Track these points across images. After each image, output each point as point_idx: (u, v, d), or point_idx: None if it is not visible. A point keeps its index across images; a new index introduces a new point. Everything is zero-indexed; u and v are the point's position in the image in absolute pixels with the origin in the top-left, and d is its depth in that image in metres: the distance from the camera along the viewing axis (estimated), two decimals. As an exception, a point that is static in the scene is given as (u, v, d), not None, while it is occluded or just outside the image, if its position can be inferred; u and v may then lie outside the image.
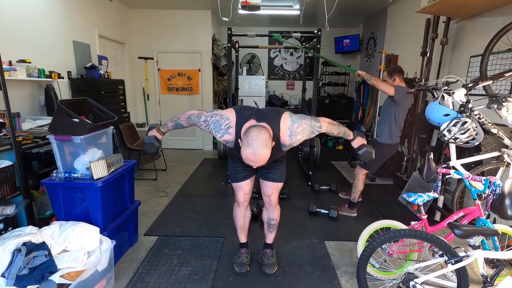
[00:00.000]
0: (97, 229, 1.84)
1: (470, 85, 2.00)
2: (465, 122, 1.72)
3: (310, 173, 3.76)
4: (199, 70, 5.54)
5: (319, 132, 1.72)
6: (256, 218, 2.80)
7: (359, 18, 5.81)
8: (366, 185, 2.99)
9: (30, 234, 1.65)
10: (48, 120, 2.69)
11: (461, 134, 1.73)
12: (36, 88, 3.08)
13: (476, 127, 1.75)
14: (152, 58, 5.49)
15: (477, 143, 1.80)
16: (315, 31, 3.38)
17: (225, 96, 5.88)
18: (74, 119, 1.85)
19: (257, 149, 1.42)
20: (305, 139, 1.71)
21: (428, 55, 3.39)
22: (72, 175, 1.88)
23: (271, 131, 1.55)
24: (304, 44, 4.36)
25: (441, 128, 1.82)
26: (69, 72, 3.56)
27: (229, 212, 2.65)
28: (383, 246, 1.92)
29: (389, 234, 1.65)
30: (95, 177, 1.88)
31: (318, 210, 2.98)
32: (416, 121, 3.55)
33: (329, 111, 6.24)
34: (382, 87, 2.56)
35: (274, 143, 1.54)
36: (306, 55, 4.62)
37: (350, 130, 1.85)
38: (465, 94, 1.99)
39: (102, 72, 3.78)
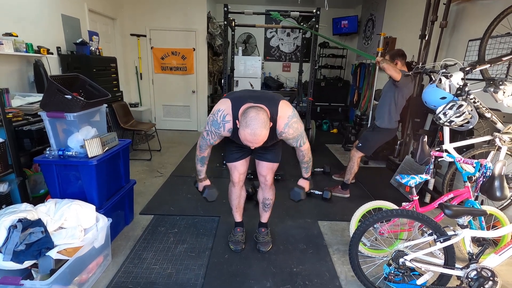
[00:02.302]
0: (93, 207, 1.84)
1: (467, 68, 2.00)
2: (461, 105, 1.74)
3: (305, 155, 3.78)
4: (194, 49, 5.40)
5: (300, 146, 1.76)
6: (251, 198, 2.84)
7: (358, -2, 5.67)
8: (359, 168, 3.04)
9: (25, 211, 1.65)
10: (38, 97, 2.61)
11: (456, 117, 1.74)
12: (25, 64, 2.97)
13: (472, 110, 1.77)
14: (145, 36, 5.32)
15: (471, 127, 1.83)
16: (314, 11, 3.30)
17: (220, 77, 5.78)
18: (66, 96, 1.80)
19: (256, 129, 1.42)
20: (288, 140, 1.72)
21: (426, 38, 3.36)
22: (66, 153, 1.86)
23: (269, 113, 1.53)
24: (302, 24, 4.25)
25: (437, 111, 1.83)
26: (58, 48, 3.43)
27: (225, 193, 2.67)
28: (375, 226, 1.97)
29: (382, 214, 1.70)
30: (89, 155, 1.86)
31: (312, 191, 3.03)
32: (411, 105, 3.56)
33: (325, 94, 6.23)
34: (391, 71, 2.52)
35: (271, 124, 1.54)
36: (304, 35, 4.53)
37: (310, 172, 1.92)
38: (462, 78, 1.99)
39: (93, 49, 3.65)
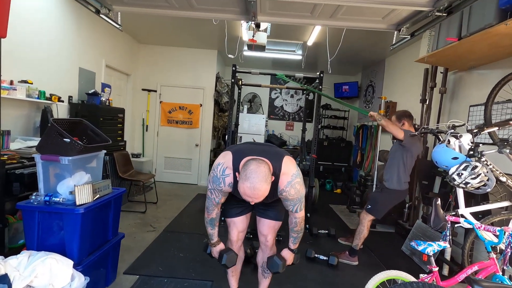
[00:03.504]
0: (71, 263, 1.63)
1: (475, 130, 1.97)
2: (475, 167, 1.65)
3: (308, 215, 3.57)
4: (201, 105, 5.60)
5: (296, 212, 1.61)
6: (249, 261, 2.56)
7: (357, 67, 6.08)
8: None
9: (-8, 263, 1.45)
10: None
11: (472, 179, 1.64)
12: (34, 110, 3.02)
13: (487, 172, 1.67)
14: (155, 91, 5.59)
15: (489, 190, 1.71)
16: (318, 73, 3.47)
17: (225, 132, 5.88)
18: (65, 139, 1.75)
19: (255, 183, 1.32)
20: (286, 201, 1.58)
21: (427, 103, 3.45)
22: (53, 199, 1.72)
23: (271, 167, 1.45)
24: (305, 86, 4.47)
25: (450, 172, 1.74)
26: (70, 97, 3.54)
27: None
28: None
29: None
30: (77, 203, 1.72)
31: (316, 255, 2.76)
32: (417, 167, 3.48)
33: (328, 154, 6.22)
34: (392, 129, 2.51)
35: (273, 178, 1.44)
36: (307, 96, 4.71)
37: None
38: (470, 140, 1.95)
39: (103, 99, 3.77)
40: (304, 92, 5.61)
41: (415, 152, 2.62)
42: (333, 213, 4.49)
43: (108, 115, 3.77)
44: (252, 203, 1.40)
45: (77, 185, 1.75)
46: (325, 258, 2.72)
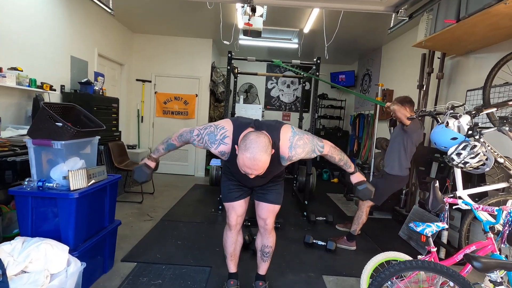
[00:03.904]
0: (66, 248, 1.60)
1: (473, 112, 1.95)
2: (474, 146, 1.64)
3: (306, 202, 3.57)
4: (196, 95, 5.53)
5: (320, 152, 1.60)
6: (248, 247, 2.56)
7: (354, 56, 6.03)
8: None
9: (-15, 249, 1.41)
10: (31, 129, 2.52)
11: (471, 158, 1.63)
12: (25, 98, 2.95)
13: (486, 151, 1.66)
14: (150, 81, 5.50)
15: (487, 169, 1.71)
16: (315, 59, 3.43)
17: (221, 123, 5.82)
18: (57, 123, 1.71)
19: (255, 153, 1.29)
20: (305, 156, 1.58)
21: (424, 89, 3.44)
22: (46, 184, 1.68)
23: (270, 139, 1.43)
24: (302, 74, 4.42)
25: (449, 152, 1.73)
26: (62, 86, 3.46)
27: (218, 240, 2.41)
28: (391, 281, 1.71)
29: (399, 266, 1.46)
30: (72, 188, 1.68)
31: (314, 241, 2.76)
32: (414, 153, 3.48)
33: (325, 143, 6.21)
34: (400, 115, 2.48)
35: (273, 151, 1.41)
36: (304, 84, 4.67)
37: (352, 163, 1.74)
38: (469, 121, 1.94)
39: (97, 88, 3.70)
40: (301, 81, 5.57)
41: (416, 139, 2.61)
42: (331, 201, 4.50)
43: (102, 104, 3.70)
44: (252, 176, 1.37)
45: (71, 170, 1.71)
46: (323, 243, 2.72)
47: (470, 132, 1.73)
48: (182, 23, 4.66)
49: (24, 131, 2.54)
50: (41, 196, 1.66)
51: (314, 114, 3.71)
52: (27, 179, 1.71)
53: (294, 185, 4.54)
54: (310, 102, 6.15)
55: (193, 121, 5.59)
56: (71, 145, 1.81)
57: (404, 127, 2.51)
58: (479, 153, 1.63)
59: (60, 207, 1.66)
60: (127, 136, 5.39)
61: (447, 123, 1.93)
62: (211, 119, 5.83)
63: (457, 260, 1.81)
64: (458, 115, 1.80)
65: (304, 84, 4.71)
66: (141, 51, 5.41)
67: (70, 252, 1.63)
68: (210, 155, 5.60)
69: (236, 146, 1.42)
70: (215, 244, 2.64)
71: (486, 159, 1.65)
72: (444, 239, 2.68)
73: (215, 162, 4.55)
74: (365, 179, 1.73)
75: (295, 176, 4.51)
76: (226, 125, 1.54)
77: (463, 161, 1.65)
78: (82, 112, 2.04)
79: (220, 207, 3.60)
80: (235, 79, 4.39)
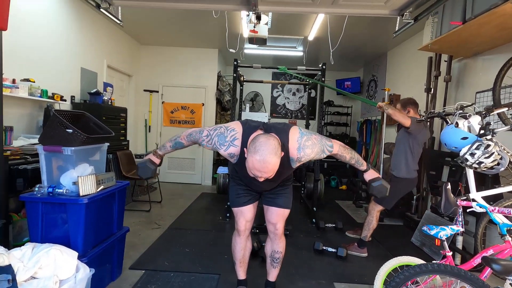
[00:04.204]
0: (75, 254, 1.60)
1: (484, 112, 1.92)
2: (488, 145, 1.60)
3: (315, 209, 3.52)
4: (203, 104, 5.59)
5: (330, 152, 1.59)
6: (256, 254, 2.52)
7: (359, 62, 6.05)
8: None
9: (-4, 254, 1.42)
10: (42, 138, 2.57)
11: (485, 158, 1.59)
12: (36, 109, 3.02)
13: (500, 151, 1.62)
14: (157, 91, 5.58)
15: (502, 169, 1.66)
16: (320, 65, 3.44)
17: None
18: (67, 130, 1.73)
19: (265, 156, 1.28)
20: (315, 157, 1.57)
21: (432, 92, 3.41)
22: (57, 190, 1.70)
23: (280, 141, 1.42)
24: (308, 80, 4.44)
25: (462, 153, 1.69)
26: (72, 97, 3.54)
27: (226, 248, 2.39)
28: (407, 286, 1.65)
29: (414, 269, 1.42)
30: (81, 194, 1.69)
31: (324, 248, 2.70)
32: (424, 157, 3.42)
33: (332, 150, 6.17)
34: (399, 117, 2.47)
35: (283, 153, 1.40)
36: (310, 91, 4.68)
37: (364, 160, 1.72)
38: (480, 122, 1.90)
39: (106, 98, 3.77)
40: (306, 88, 5.59)
41: (422, 139, 2.57)
42: (340, 208, 4.43)
43: (110, 114, 3.76)
44: (261, 179, 1.36)
45: (80, 176, 1.73)
46: (333, 250, 2.66)
47: (482, 131, 1.70)
48: (188, 33, 4.75)
49: (36, 140, 2.59)
50: (51, 202, 1.67)
51: (320, 121, 3.70)
52: (37, 186, 1.73)
53: (302, 192, 4.50)
54: (316, 109, 6.14)
55: (200, 130, 5.62)
56: (80, 152, 1.83)
57: (407, 129, 2.48)
58: (493, 152, 1.59)
59: (69, 212, 1.66)
60: (135, 146, 5.44)
61: (457, 123, 1.89)
62: (218, 128, 5.86)
63: (474, 265, 1.75)
64: (467, 114, 1.77)
65: (310, 91, 4.73)
66: (148, 62, 5.52)
67: (79, 258, 1.62)
68: (217, 164, 5.61)
69: (245, 149, 1.41)
70: (223, 251, 2.61)
71: (501, 159, 1.61)
72: (459, 245, 2.59)
73: (222, 170, 4.55)
74: (380, 176, 1.69)
75: (303, 183, 4.47)
76: (236, 127, 1.54)
77: (477, 161, 1.61)
78: (91, 119, 2.07)
79: (228, 214, 3.58)
80: (241, 87, 4.43)
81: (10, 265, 1.40)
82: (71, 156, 1.75)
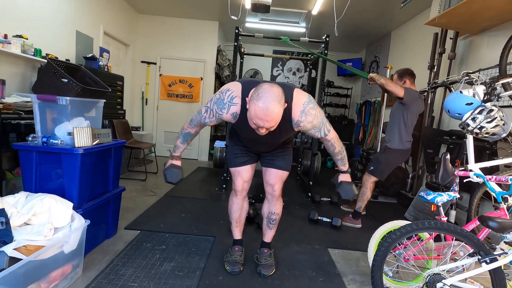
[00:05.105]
0: (70, 204, 1.58)
1: (489, 82, 1.89)
2: (491, 110, 1.58)
3: (311, 183, 3.53)
4: (201, 79, 5.48)
5: (325, 135, 1.55)
6: (252, 221, 2.53)
7: (362, 43, 5.93)
8: (368, 203, 2.77)
9: (-12, 198, 1.39)
10: (36, 96, 2.49)
11: (487, 122, 1.57)
12: (30, 68, 2.92)
13: (503, 116, 1.61)
14: (155, 63, 5.45)
15: (504, 135, 1.65)
16: (323, 37, 3.36)
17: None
18: (62, 79, 1.67)
19: (268, 103, 1.24)
20: (311, 130, 1.51)
21: (435, 69, 3.36)
22: (51, 140, 1.65)
23: (283, 92, 1.37)
24: (310, 56, 4.35)
25: (464, 118, 1.67)
26: (67, 60, 3.42)
27: (222, 214, 2.40)
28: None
29: (411, 226, 1.42)
30: (76, 145, 1.65)
31: (319, 218, 2.73)
32: (422, 135, 3.42)
33: (330, 131, 6.16)
34: (391, 87, 2.43)
35: (286, 105, 1.36)
36: (311, 67, 4.60)
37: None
38: (485, 90, 1.88)
39: (102, 64, 3.66)
40: (308, 65, 5.50)
41: (416, 110, 2.55)
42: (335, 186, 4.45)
43: (107, 80, 3.64)
44: (262, 131, 1.32)
45: (76, 127, 1.68)
46: (328, 220, 2.69)
47: (487, 97, 1.67)
48: (188, 3, 4.58)
49: (29, 99, 2.52)
50: (45, 151, 1.63)
51: (320, 102, 3.65)
52: (31, 135, 1.69)
53: (299, 169, 4.50)
54: (316, 89, 6.07)
55: (198, 104, 5.55)
56: (76, 104, 1.78)
57: (401, 100, 2.45)
58: (496, 117, 1.57)
59: (64, 163, 1.63)
60: (131, 118, 5.35)
61: (461, 91, 1.87)
62: (216, 104, 5.78)
63: (469, 229, 1.77)
64: (474, 80, 1.74)
65: (311, 69, 4.64)
66: (146, 32, 5.35)
67: (74, 209, 1.60)
68: (213, 139, 5.57)
69: (246, 98, 1.36)
70: (219, 217, 2.62)
71: (504, 124, 1.60)
72: (452, 219, 2.62)
73: (219, 144, 4.53)
74: (350, 181, 1.70)
75: (300, 160, 4.47)
76: (231, 87, 1.49)
77: (478, 126, 1.60)
78: (87, 73, 2.00)
79: (224, 186, 3.58)
80: (241, 60, 4.32)
81: (3, 209, 1.38)
82: (66, 107, 1.70)
